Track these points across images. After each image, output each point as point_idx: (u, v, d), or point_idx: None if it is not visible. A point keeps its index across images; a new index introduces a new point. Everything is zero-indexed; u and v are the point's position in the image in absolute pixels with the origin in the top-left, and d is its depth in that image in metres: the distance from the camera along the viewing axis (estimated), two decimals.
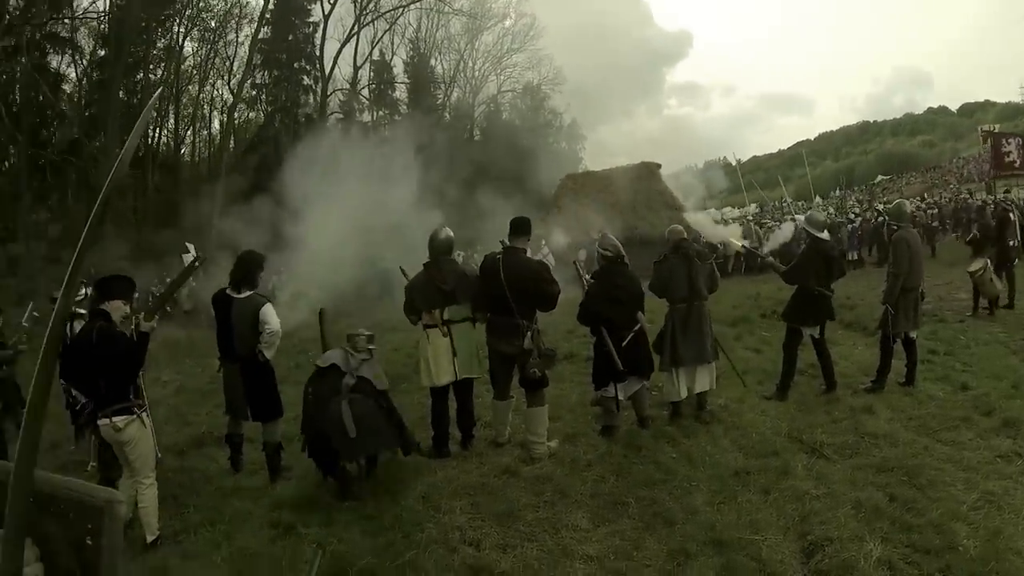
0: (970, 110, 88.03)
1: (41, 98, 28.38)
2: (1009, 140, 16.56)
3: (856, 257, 21.60)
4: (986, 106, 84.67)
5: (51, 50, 29.53)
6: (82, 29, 30.39)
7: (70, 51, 30.25)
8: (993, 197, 15.34)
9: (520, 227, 6.66)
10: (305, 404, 6.01)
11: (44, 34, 28.57)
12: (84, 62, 31.19)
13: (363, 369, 5.90)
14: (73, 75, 31.10)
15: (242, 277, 6.51)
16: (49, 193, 27.80)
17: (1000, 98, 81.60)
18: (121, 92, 30.32)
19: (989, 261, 11.23)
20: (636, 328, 6.84)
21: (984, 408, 6.72)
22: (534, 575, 4.50)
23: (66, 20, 29.37)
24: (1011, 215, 12.44)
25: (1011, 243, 12.08)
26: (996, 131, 22.64)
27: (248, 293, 6.46)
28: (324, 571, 4.70)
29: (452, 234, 6.85)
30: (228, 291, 6.55)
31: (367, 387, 5.85)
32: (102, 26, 30.44)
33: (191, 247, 20.98)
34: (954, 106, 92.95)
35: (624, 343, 6.69)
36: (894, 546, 4.34)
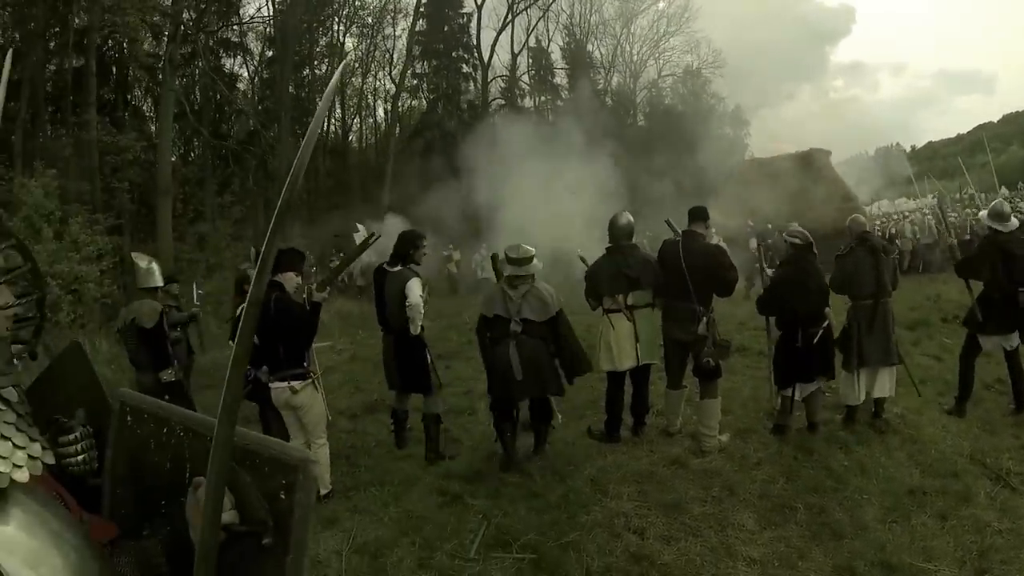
0: None
1: (219, 96, 31.36)
2: None
3: None
4: None
5: (224, 53, 32.35)
6: (250, 34, 33.05)
7: (241, 53, 33.08)
8: None
9: (698, 214, 6.70)
10: (482, 349, 6.46)
11: (217, 40, 31.27)
12: (255, 62, 34.00)
13: (524, 309, 6.08)
14: (245, 74, 34.05)
15: (397, 252, 6.74)
16: (231, 179, 30.45)
17: None
18: (290, 87, 32.47)
19: None
20: (825, 324, 6.66)
21: None
22: (696, 571, 4.54)
23: (235, 26, 32.06)
24: None
25: None
26: None
27: (399, 268, 6.66)
28: (488, 541, 4.94)
29: (632, 219, 6.91)
30: (385, 265, 6.84)
31: (534, 329, 6.08)
32: (268, 29, 33.00)
33: (361, 227, 21.96)
34: None
35: (815, 339, 6.56)
36: None
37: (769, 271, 7.55)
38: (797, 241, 6.82)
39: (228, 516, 1.50)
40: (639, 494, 5.47)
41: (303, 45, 33.62)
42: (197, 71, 29.79)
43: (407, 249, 6.70)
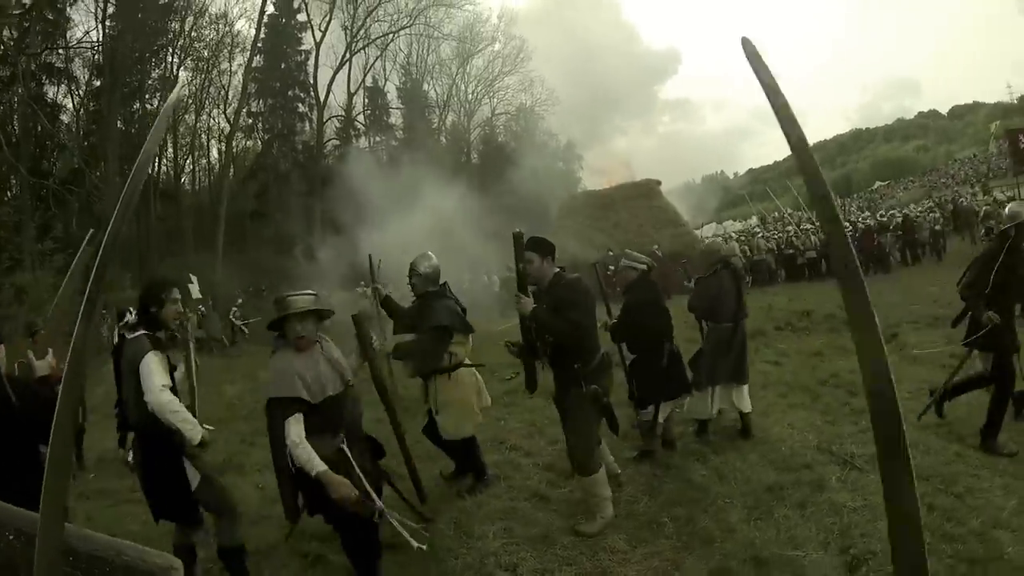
0: (960, 112, 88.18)
1: (39, 128, 28.55)
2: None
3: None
4: (976, 107, 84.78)
5: (47, 80, 29.71)
6: (77, 60, 30.67)
7: (66, 81, 30.48)
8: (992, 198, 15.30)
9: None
10: None
11: (39, 64, 28.73)
12: (80, 92, 31.44)
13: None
14: (70, 105, 31.36)
15: (141, 309, 4.71)
16: (53, 222, 27.37)
17: (988, 99, 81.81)
18: (119, 122, 30.60)
19: None
20: (673, 345, 6.74)
21: (1013, 411, 6.61)
22: None
23: (60, 50, 29.59)
24: None
25: None
26: (1013, 128, 22.60)
27: (138, 334, 4.56)
28: None
29: (435, 262, 6.28)
30: (124, 330, 5.04)
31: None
32: (96, 56, 30.74)
33: (195, 279, 21.11)
34: (944, 109, 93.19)
35: (667, 360, 6.59)
36: (938, 557, 4.21)
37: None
38: (642, 266, 6.87)
39: None
40: (505, 531, 5.29)
41: (134, 76, 31.81)
42: (16, 98, 27.18)
43: (148, 304, 4.63)
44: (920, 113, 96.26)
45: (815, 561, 4.40)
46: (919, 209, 26.88)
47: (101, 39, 30.46)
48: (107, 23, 30.55)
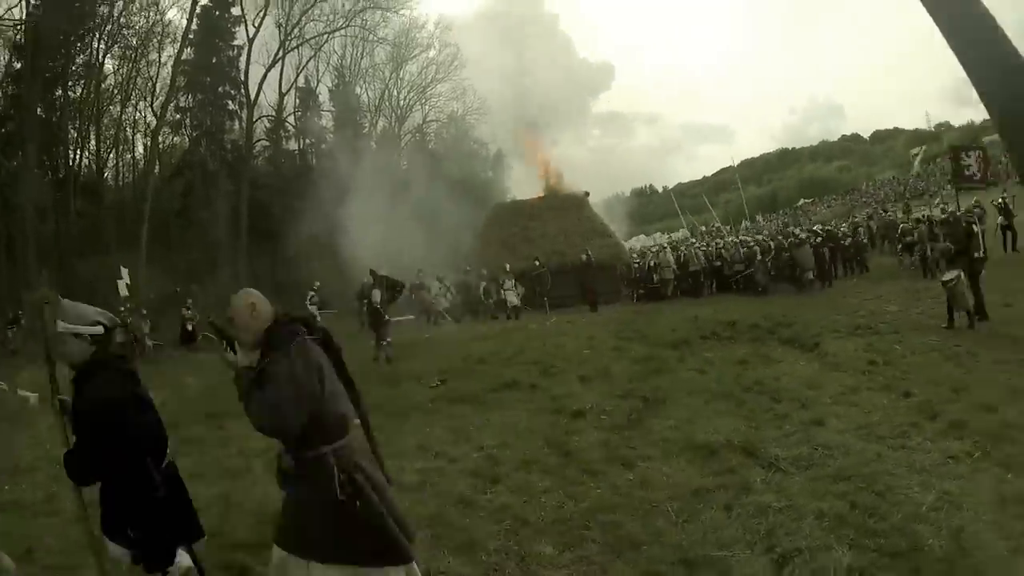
0: (881, 137, 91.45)
1: None
2: (968, 154, 17.27)
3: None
4: (896, 133, 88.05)
5: None
6: None
7: None
8: (956, 208, 15.96)
9: None
10: None
11: None
12: None
13: None
14: None
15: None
16: None
17: (908, 125, 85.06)
18: (39, 109, 29.12)
19: (963, 272, 11.11)
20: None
21: (928, 413, 6.85)
22: None
23: None
24: (975, 226, 12.46)
25: (976, 255, 11.98)
26: (957, 145, 23.85)
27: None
28: None
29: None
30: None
31: None
32: (18, 36, 29.18)
33: (125, 271, 20.55)
34: (866, 134, 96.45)
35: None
36: (862, 552, 4.31)
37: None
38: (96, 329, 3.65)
39: None
40: (431, 539, 5.20)
41: (57, 61, 30.14)
42: None
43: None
44: (843, 136, 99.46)
45: (742, 560, 4.45)
46: (843, 224, 27.70)
47: (23, 16, 28.79)
48: (31, 0, 28.83)
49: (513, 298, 20.17)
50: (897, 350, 9.99)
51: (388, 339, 13.87)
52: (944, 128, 74.43)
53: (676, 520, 5.18)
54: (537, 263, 21.55)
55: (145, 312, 21.15)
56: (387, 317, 14.02)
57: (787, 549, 4.45)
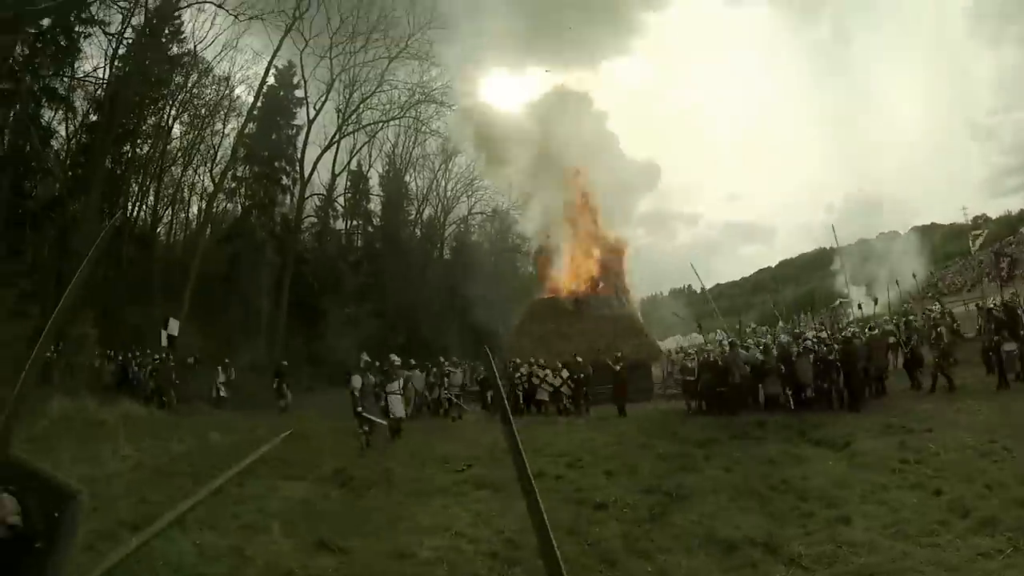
0: (917, 233, 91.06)
1: (28, 148, 27.97)
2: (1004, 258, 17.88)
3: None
4: (933, 228, 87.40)
5: (46, 103, 29.15)
6: (79, 91, 30.18)
7: (64, 109, 30.00)
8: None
9: None
10: None
11: (42, 86, 28.43)
12: (76, 123, 30.80)
13: None
14: (63, 133, 30.64)
15: None
16: (26, 246, 26.96)
17: (945, 220, 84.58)
18: (108, 160, 30.22)
19: None
20: None
21: (960, 510, 6.64)
22: None
23: (66, 78, 29.35)
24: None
25: None
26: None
27: None
28: None
29: None
30: None
31: None
32: (98, 91, 30.36)
33: (174, 322, 20.90)
34: (903, 230, 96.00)
35: None
36: None
37: None
38: None
39: (14, 519, 1.83)
40: None
41: (130, 119, 31.45)
42: (12, 114, 26.72)
43: None
44: (881, 233, 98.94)
45: None
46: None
47: (107, 76, 30.28)
48: (115, 62, 30.55)
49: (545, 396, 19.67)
50: (930, 448, 9.74)
51: (366, 428, 13.98)
52: (982, 220, 73.93)
53: None
54: (578, 359, 20.60)
55: (228, 361, 21.58)
56: (359, 408, 14.04)
57: None
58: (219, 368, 21.88)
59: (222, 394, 21.38)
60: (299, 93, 37.95)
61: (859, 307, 25.39)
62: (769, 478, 9.13)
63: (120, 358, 21.08)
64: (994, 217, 65.38)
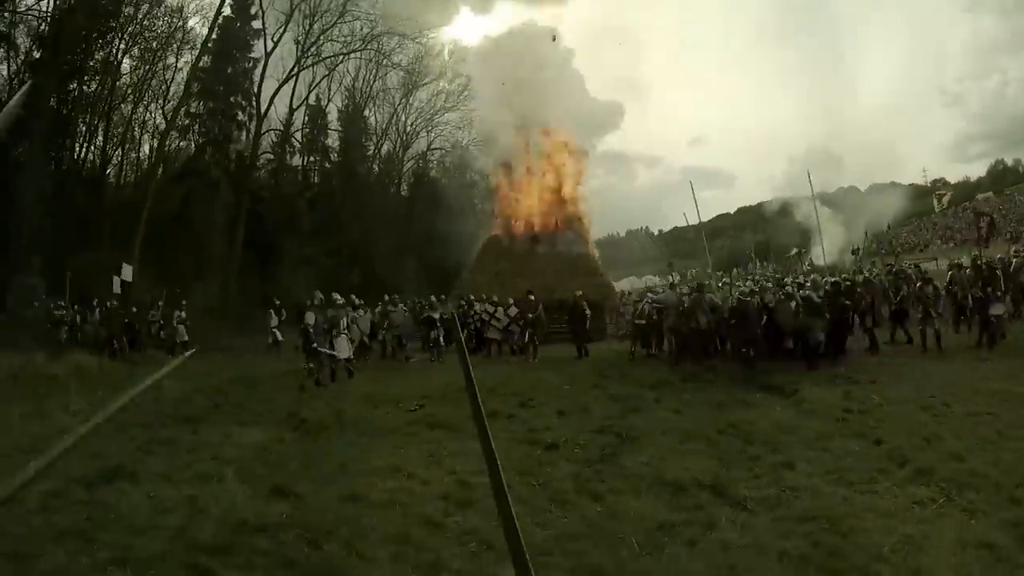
0: (877, 191, 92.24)
1: None
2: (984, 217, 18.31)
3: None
4: (893, 187, 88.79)
5: None
6: (20, 26, 28.89)
7: (5, 46, 28.68)
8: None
9: None
10: None
11: None
12: (17, 61, 29.54)
13: None
14: (3, 72, 29.38)
15: None
16: None
17: (904, 180, 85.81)
18: (52, 100, 28.99)
19: None
20: None
21: (898, 460, 6.90)
22: None
23: (6, 13, 28.07)
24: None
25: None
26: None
27: None
28: None
29: None
30: None
31: None
32: (42, 26, 29.06)
33: (128, 268, 20.42)
34: (863, 187, 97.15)
35: None
36: None
37: None
38: None
39: None
40: (397, 556, 5.22)
41: (76, 55, 29.97)
42: None
43: None
44: (840, 188, 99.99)
45: None
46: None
47: (51, 9, 28.83)
48: None
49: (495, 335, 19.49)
50: (874, 399, 10.04)
51: (311, 364, 14.19)
52: (940, 184, 75.31)
53: (640, 552, 5.21)
54: (531, 297, 20.27)
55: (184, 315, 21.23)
56: (314, 344, 14.15)
57: None
58: (176, 312, 21.43)
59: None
60: (256, 24, 36.52)
61: (820, 258, 25.26)
62: (718, 422, 9.35)
63: (74, 307, 20.45)
64: (953, 182, 66.61)
